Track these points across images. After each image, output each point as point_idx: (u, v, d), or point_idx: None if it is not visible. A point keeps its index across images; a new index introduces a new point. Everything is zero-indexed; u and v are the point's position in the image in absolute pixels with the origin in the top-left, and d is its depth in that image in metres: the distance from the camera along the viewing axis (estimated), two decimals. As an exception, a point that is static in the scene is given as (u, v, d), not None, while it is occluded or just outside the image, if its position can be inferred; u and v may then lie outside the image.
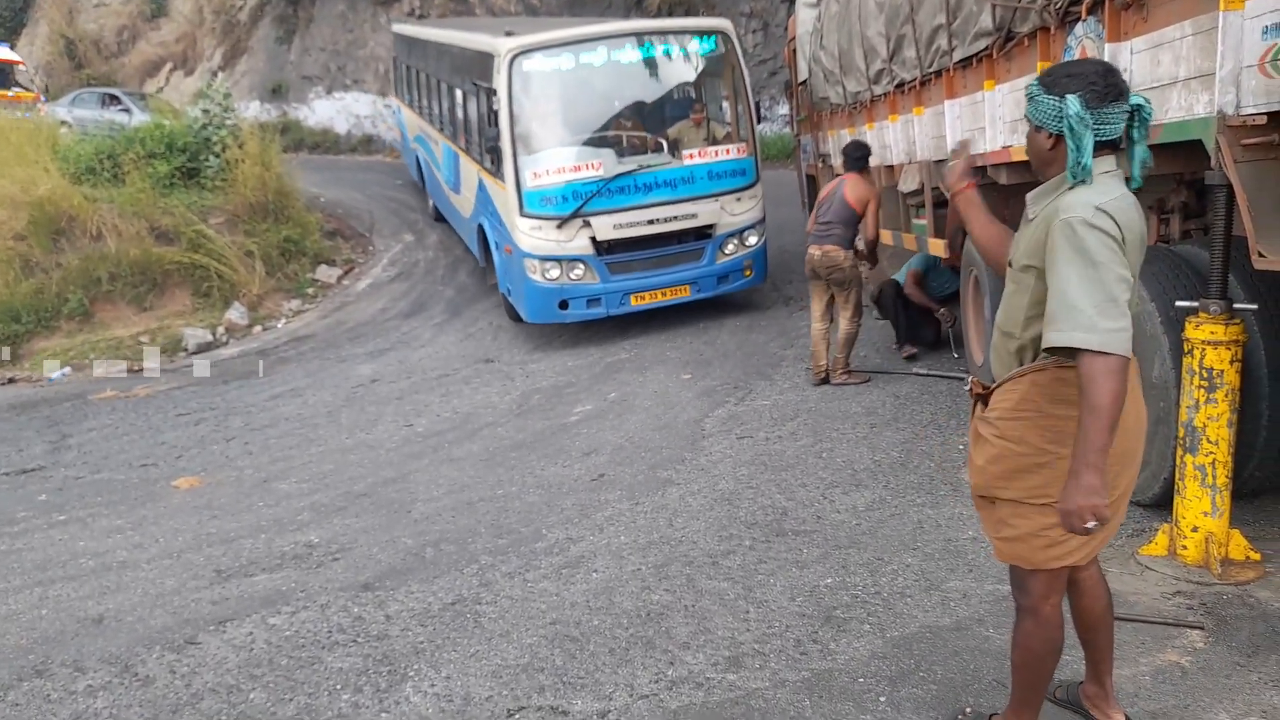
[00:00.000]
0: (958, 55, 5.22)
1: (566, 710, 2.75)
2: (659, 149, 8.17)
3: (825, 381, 6.29)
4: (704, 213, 8.14)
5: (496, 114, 7.84)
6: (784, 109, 19.86)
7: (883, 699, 2.63)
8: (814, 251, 6.15)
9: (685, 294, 8.24)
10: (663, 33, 8.36)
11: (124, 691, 3.15)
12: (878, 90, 7.02)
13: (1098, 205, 1.94)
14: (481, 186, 9.26)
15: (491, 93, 7.94)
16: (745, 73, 8.39)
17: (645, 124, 8.34)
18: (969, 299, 5.88)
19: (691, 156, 8.13)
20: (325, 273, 12.79)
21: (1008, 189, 5.09)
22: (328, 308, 12.03)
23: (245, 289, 11.61)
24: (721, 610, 3.28)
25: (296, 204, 13.03)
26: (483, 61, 8.45)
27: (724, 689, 2.77)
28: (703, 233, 8.18)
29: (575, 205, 7.79)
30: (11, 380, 10.16)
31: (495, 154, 8.01)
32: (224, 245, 11.57)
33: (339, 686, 3.03)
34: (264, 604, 3.78)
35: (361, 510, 5.02)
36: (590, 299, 8.05)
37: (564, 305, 8.03)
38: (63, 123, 15.62)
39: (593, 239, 7.89)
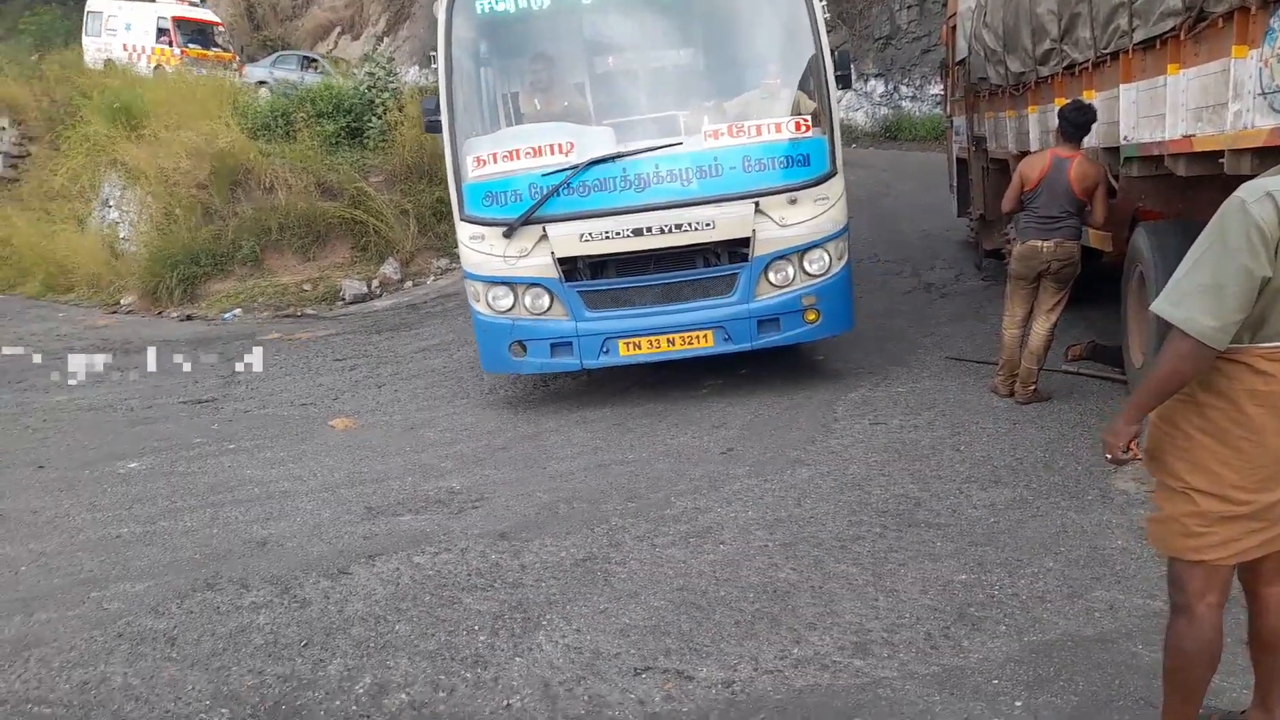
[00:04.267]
0: (1138, 36, 4.86)
1: (691, 676, 2.82)
2: (673, 127, 5.79)
3: (1012, 394, 5.51)
4: (727, 220, 5.56)
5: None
6: (936, 89, 19.11)
7: (1019, 704, 2.56)
8: (1042, 245, 5.25)
9: (706, 343, 5.80)
10: None
11: (283, 611, 3.44)
12: (1044, 71, 6.63)
13: (1270, 190, 1.83)
14: None
15: (432, 49, 5.93)
16: (820, 13, 5.67)
17: (656, 91, 6.10)
18: (1131, 296, 5.52)
19: (716, 135, 5.59)
20: (471, 233, 13.28)
21: (1184, 181, 4.75)
22: (472, 267, 12.51)
23: (399, 246, 12.22)
24: (849, 595, 3.27)
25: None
26: None
27: (850, 674, 2.77)
28: (734, 251, 5.70)
29: (529, 205, 5.55)
30: (189, 317, 11.10)
31: (436, 132, 5.91)
32: (382, 203, 12.20)
33: (477, 628, 3.21)
34: (410, 543, 4.03)
35: (500, 463, 5.25)
36: (556, 343, 5.81)
37: (520, 349, 5.87)
38: (260, 82, 16.70)
39: (554, 255, 5.65)
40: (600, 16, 5.98)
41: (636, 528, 4.08)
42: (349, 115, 13.06)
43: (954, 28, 9.70)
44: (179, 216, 11.95)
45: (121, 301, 12.06)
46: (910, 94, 19.02)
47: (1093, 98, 5.77)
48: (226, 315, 10.96)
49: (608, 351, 5.82)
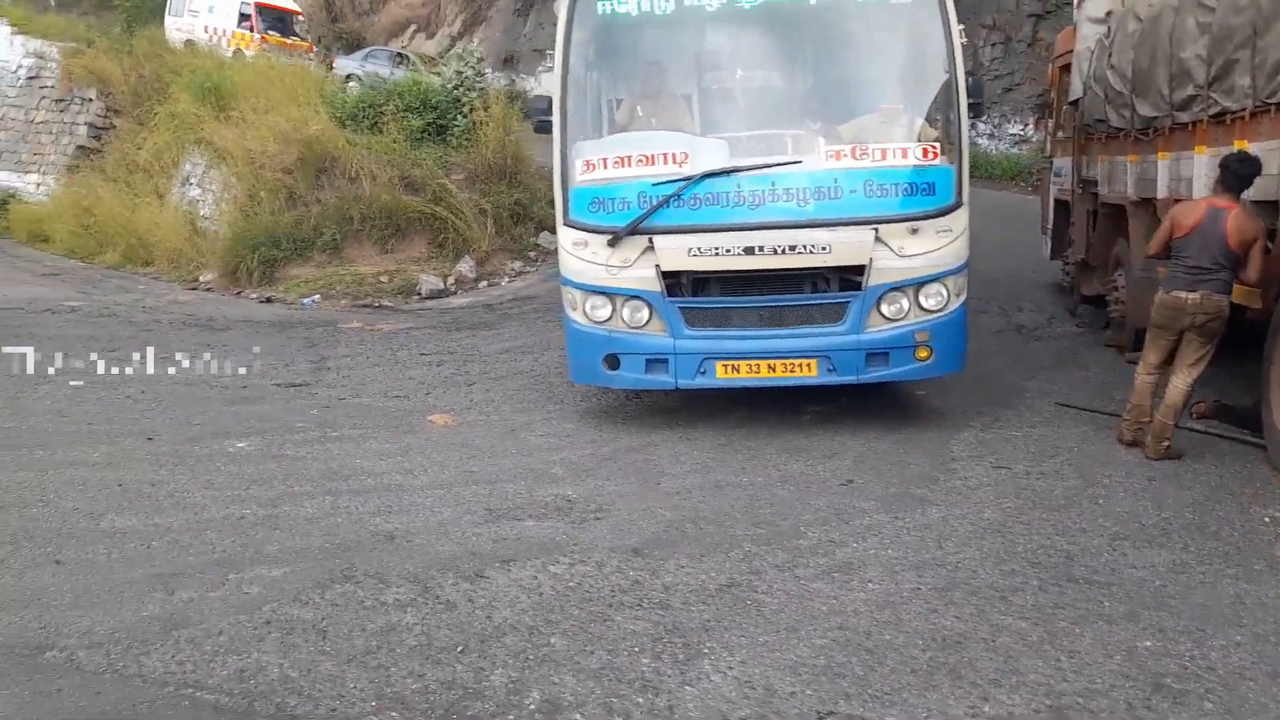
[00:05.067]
0: (1316, 88, 4.68)
1: (881, 724, 2.68)
2: (793, 145, 5.60)
3: (1136, 444, 5.34)
4: (845, 245, 5.35)
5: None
6: (1014, 128, 18.88)
7: (1250, 789, 2.39)
8: (1187, 297, 5.05)
9: (809, 373, 5.56)
10: None
11: (429, 612, 3.34)
12: (1183, 117, 6.43)
13: None
14: None
15: (550, 47, 5.75)
16: (958, 37, 5.47)
17: (777, 107, 5.96)
18: (1277, 355, 5.29)
19: (838, 156, 5.40)
20: (546, 239, 13.20)
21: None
22: (547, 272, 12.42)
23: (476, 245, 12.20)
24: (1027, 652, 3.10)
25: (528, 170, 13.52)
26: None
27: (1055, 738, 2.61)
28: (847, 279, 5.49)
29: (637, 215, 5.40)
30: (269, 300, 11.15)
31: (546, 132, 5.81)
32: (463, 201, 12.19)
33: (636, 649, 3.08)
34: (541, 551, 3.92)
35: (611, 473, 5.13)
36: (652, 359, 5.62)
37: (613, 363, 5.68)
38: (349, 75, 16.80)
39: (659, 268, 5.49)
40: (725, 27, 5.76)
41: (773, 556, 3.95)
42: (435, 111, 13.08)
43: (1065, 67, 9.50)
44: (263, 199, 12.03)
45: (200, 278, 12.15)
46: (988, 131, 18.80)
47: (1245, 149, 5.57)
48: (306, 300, 10.98)
49: (704, 372, 5.61)
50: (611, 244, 5.48)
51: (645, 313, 5.59)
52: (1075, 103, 8.90)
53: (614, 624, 3.26)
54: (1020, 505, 4.60)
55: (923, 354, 5.58)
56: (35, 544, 3.86)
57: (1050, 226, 10.36)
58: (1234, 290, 5.60)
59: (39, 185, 17.34)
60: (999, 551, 4.01)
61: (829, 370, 5.59)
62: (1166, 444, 5.28)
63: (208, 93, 13.67)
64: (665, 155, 5.46)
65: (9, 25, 18.51)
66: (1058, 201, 10.00)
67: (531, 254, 12.92)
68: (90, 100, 16.97)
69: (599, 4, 5.54)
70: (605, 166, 5.56)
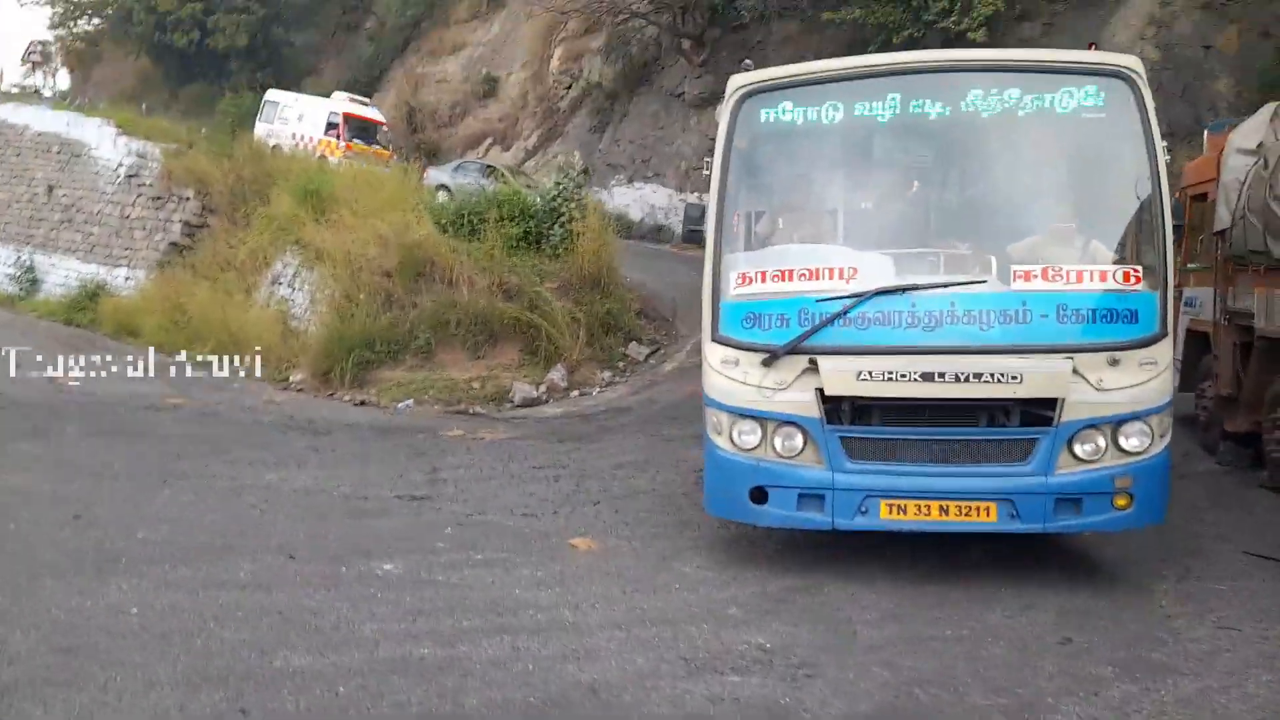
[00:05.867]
0: None
1: None
2: (972, 265, 5.17)
3: None
4: (1038, 375, 4.83)
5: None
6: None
7: None
8: None
9: (988, 518, 4.94)
10: (1004, 70, 5.25)
11: (680, 796, 2.86)
12: (1376, 253, 6.09)
13: None
14: None
15: (708, 154, 5.48)
16: (1161, 154, 5.01)
17: (953, 223, 5.54)
18: None
19: (1028, 276, 4.96)
20: (635, 349, 13.06)
21: None
22: (637, 384, 12.20)
23: (567, 353, 12.01)
24: None
25: (618, 281, 13.48)
26: None
27: None
28: (1033, 413, 4.93)
29: (798, 333, 4.99)
30: (363, 403, 10.96)
31: (697, 242, 5.49)
32: (557, 309, 12.08)
33: None
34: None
35: (795, 619, 4.65)
36: (805, 493, 5.04)
37: (760, 496, 5.10)
38: (441, 186, 17.17)
39: (820, 392, 5.02)
40: (898, 138, 5.42)
41: (1032, 737, 3.43)
42: (533, 220, 13.18)
43: (1198, 197, 9.28)
44: (361, 301, 12.01)
45: (291, 378, 12.05)
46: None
47: None
48: (400, 405, 10.78)
49: (865, 512, 4.99)
50: (766, 364, 5.04)
51: (800, 440, 5.04)
52: (1221, 233, 8.63)
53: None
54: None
55: (1121, 502, 4.93)
56: (212, 686, 3.46)
57: (1179, 358, 9.92)
58: None
59: (127, 279, 17.73)
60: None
61: (1011, 516, 4.94)
62: None
63: (309, 195, 13.94)
64: (831, 270, 5.07)
65: (115, 127, 19.38)
66: (1190, 332, 9.61)
67: (620, 364, 12.71)
68: (187, 199, 17.47)
69: (763, 111, 5.28)
70: (763, 280, 5.19)
